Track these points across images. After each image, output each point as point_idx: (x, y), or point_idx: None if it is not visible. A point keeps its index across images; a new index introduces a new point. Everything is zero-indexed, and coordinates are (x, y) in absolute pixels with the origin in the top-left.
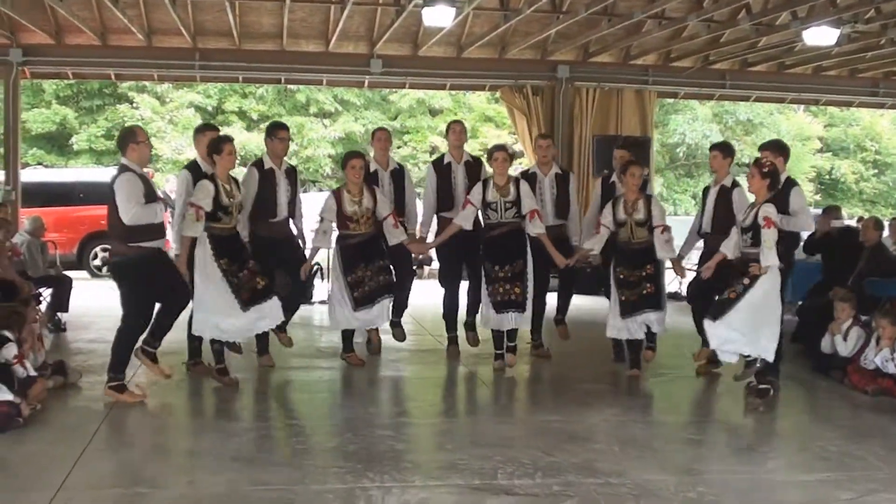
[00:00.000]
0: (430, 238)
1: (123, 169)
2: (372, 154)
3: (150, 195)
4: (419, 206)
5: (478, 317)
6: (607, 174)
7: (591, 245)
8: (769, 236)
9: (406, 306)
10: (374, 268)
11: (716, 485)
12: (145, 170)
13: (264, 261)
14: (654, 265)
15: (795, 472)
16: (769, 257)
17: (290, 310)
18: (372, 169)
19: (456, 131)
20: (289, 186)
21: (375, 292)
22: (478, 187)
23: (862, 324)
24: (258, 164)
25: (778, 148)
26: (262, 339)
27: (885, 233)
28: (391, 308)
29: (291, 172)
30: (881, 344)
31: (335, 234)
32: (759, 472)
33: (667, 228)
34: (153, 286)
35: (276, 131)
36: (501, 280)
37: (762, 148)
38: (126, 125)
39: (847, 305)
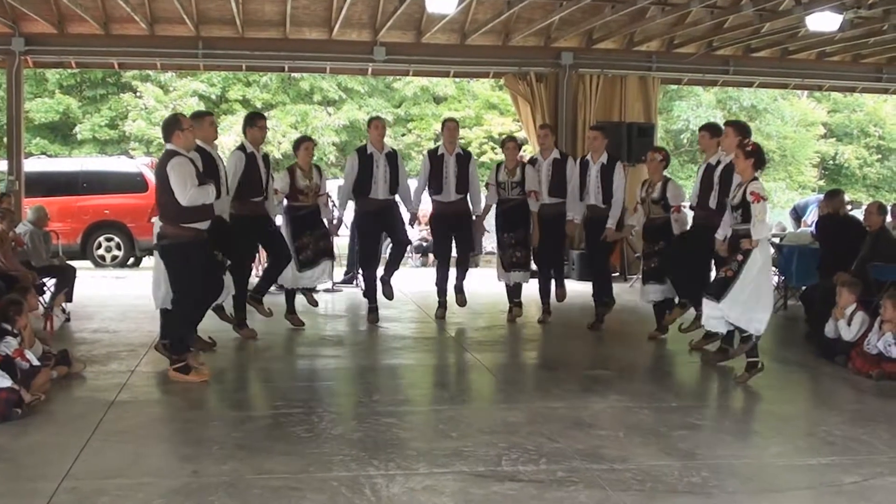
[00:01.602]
0: (420, 216)
1: (173, 153)
2: (369, 139)
3: (200, 177)
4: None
5: (465, 282)
6: (583, 156)
7: (633, 222)
8: (759, 209)
9: (398, 267)
10: (317, 235)
11: (720, 469)
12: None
13: (247, 237)
14: (666, 243)
15: (800, 456)
16: (761, 230)
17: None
18: (368, 152)
19: (450, 128)
20: (265, 170)
21: (318, 256)
22: (493, 171)
23: (865, 308)
24: (242, 148)
25: (739, 128)
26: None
27: (889, 218)
28: (332, 269)
29: (267, 158)
30: (883, 328)
31: (285, 204)
32: (763, 457)
33: (678, 209)
34: (201, 266)
35: (255, 120)
36: (509, 246)
37: (726, 124)
38: (170, 113)
39: (846, 290)
